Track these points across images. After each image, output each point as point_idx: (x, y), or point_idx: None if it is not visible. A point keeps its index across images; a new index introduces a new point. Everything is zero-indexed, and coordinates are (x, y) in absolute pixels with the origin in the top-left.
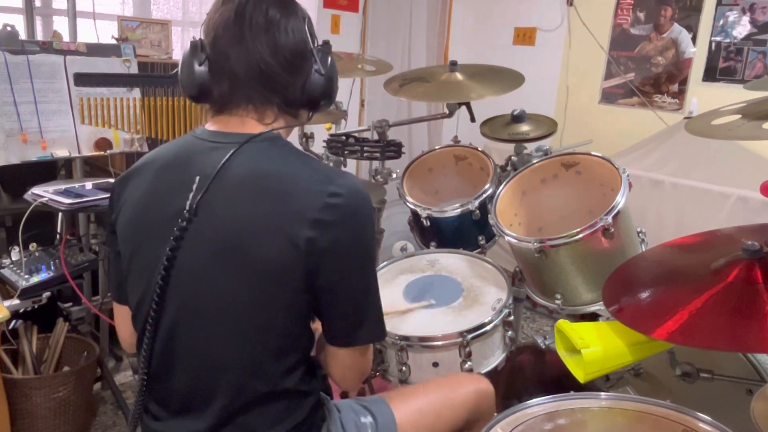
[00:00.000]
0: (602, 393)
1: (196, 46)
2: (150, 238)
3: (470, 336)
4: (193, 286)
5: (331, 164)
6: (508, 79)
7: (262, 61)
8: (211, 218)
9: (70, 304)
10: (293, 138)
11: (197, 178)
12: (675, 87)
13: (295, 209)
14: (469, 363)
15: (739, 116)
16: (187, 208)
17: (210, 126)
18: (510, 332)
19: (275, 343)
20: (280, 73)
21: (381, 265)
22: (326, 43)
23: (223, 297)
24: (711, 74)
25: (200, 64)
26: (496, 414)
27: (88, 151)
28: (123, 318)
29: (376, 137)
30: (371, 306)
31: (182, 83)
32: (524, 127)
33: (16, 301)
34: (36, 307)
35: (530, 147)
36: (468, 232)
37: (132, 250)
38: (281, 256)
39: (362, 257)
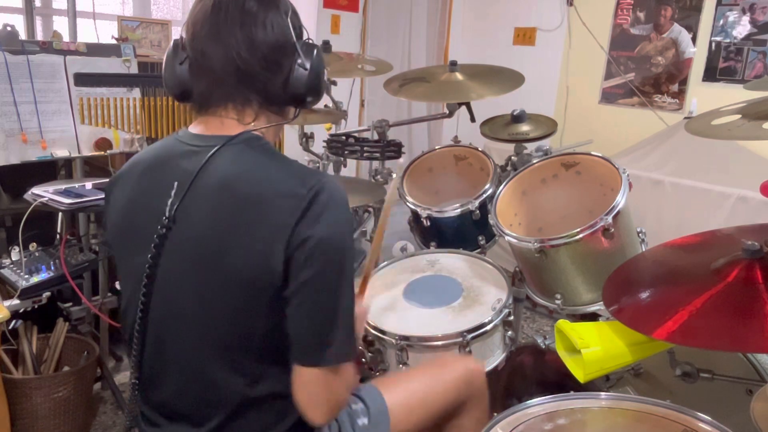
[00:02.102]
0: (602, 393)
1: (177, 45)
2: (133, 243)
3: (470, 336)
4: (174, 292)
5: (331, 164)
6: (508, 79)
7: (239, 57)
8: (189, 225)
9: (70, 304)
10: (293, 138)
11: (175, 183)
12: (675, 87)
13: (270, 216)
14: None
15: (739, 116)
16: (166, 215)
17: (192, 128)
18: (510, 332)
19: (260, 348)
20: (258, 70)
21: (381, 265)
22: (326, 43)
23: (203, 303)
24: (711, 74)
25: (181, 63)
26: (496, 414)
27: (88, 151)
28: None
29: (376, 137)
30: (343, 321)
31: (165, 83)
32: (524, 127)
33: (16, 301)
34: (36, 307)
35: (530, 147)
36: (468, 232)
37: (119, 255)
38: (257, 262)
39: (338, 264)
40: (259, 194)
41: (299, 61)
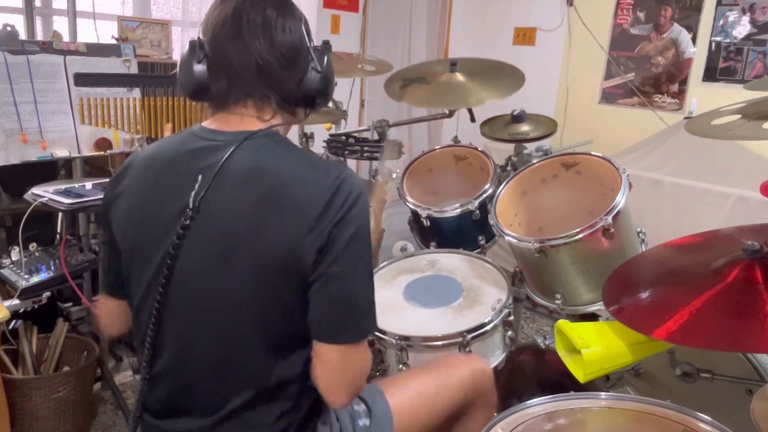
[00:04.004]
0: (602, 393)
1: (194, 45)
2: (151, 235)
3: (470, 336)
4: (196, 284)
5: None
6: (508, 78)
7: (260, 56)
8: (214, 216)
9: (70, 304)
10: (293, 138)
11: (199, 176)
12: (675, 87)
13: (297, 205)
14: None
15: (739, 116)
16: (190, 206)
17: (209, 124)
18: (510, 332)
19: (278, 339)
20: (277, 69)
21: (381, 265)
22: (326, 43)
23: (228, 295)
24: (711, 74)
25: (199, 62)
26: (496, 414)
27: (88, 151)
28: (113, 311)
29: (376, 137)
30: (365, 299)
31: (181, 81)
32: (524, 127)
33: (16, 301)
34: (36, 307)
35: (530, 147)
36: (468, 232)
37: (132, 247)
38: (285, 251)
39: (361, 246)
40: (286, 185)
41: (312, 64)
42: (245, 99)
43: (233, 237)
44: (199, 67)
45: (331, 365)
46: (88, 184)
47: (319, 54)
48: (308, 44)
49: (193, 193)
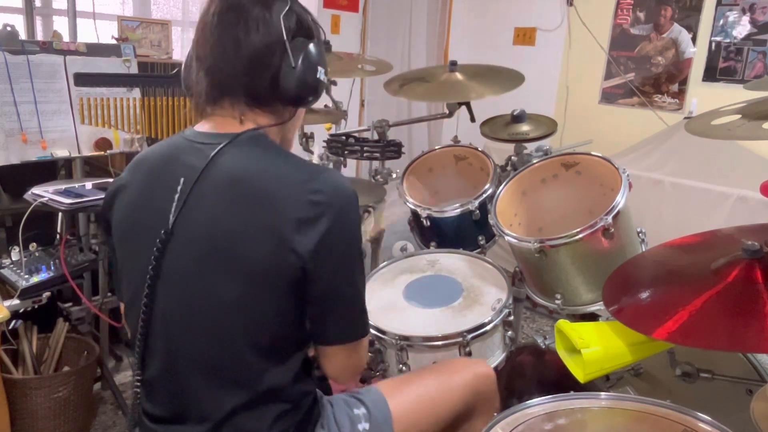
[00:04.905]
0: (602, 393)
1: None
2: (139, 239)
3: (470, 336)
4: (181, 288)
5: (331, 164)
6: (508, 79)
7: (225, 58)
8: (196, 221)
9: (70, 304)
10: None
11: (181, 180)
12: (675, 87)
13: (280, 209)
14: None
15: (739, 116)
16: (172, 210)
17: (198, 126)
18: (510, 332)
19: (267, 344)
20: (243, 70)
21: (381, 265)
22: (326, 43)
23: (212, 299)
24: (711, 74)
25: (189, 65)
26: (496, 414)
27: (88, 151)
28: None
29: (376, 137)
30: (359, 302)
31: (183, 84)
32: (524, 127)
33: (16, 301)
34: (36, 307)
35: (530, 147)
36: (468, 232)
37: (123, 251)
38: (268, 256)
39: (350, 253)
40: (270, 190)
41: (287, 60)
42: (222, 101)
43: (217, 241)
44: (189, 71)
45: (339, 362)
46: (88, 184)
47: (296, 48)
48: (284, 38)
49: (175, 197)
